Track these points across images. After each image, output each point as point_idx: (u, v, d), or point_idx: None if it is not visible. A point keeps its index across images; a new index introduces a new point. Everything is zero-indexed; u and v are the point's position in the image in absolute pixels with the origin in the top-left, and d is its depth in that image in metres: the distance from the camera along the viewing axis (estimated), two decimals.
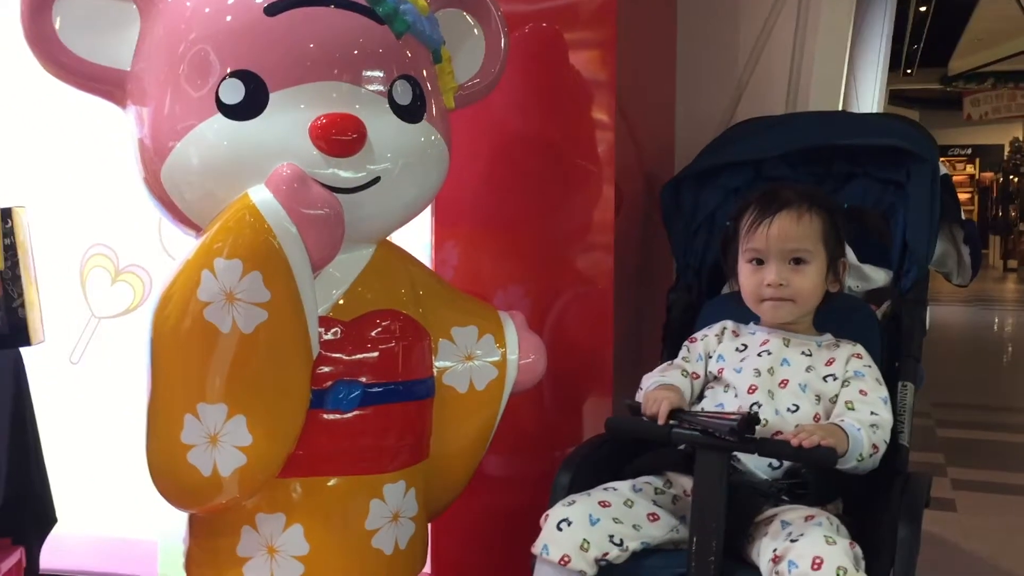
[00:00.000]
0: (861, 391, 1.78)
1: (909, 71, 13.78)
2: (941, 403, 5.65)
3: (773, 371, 1.83)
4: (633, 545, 1.64)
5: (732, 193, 2.26)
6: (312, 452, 1.66)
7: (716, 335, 1.95)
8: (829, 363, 1.83)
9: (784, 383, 1.82)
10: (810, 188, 1.96)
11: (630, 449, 1.88)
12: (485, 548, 2.29)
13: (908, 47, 12.13)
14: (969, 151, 19.17)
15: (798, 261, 1.83)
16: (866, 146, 2.19)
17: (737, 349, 1.90)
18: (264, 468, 1.60)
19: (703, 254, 2.27)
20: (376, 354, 1.71)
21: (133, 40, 1.65)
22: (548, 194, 2.27)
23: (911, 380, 1.96)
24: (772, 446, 1.64)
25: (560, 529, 1.63)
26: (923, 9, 10.66)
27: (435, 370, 1.84)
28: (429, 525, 1.90)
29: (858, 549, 1.56)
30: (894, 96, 12.78)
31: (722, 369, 1.88)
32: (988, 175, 18.79)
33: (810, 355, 1.85)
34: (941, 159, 2.18)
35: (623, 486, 1.75)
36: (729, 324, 1.96)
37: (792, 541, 1.54)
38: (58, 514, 2.19)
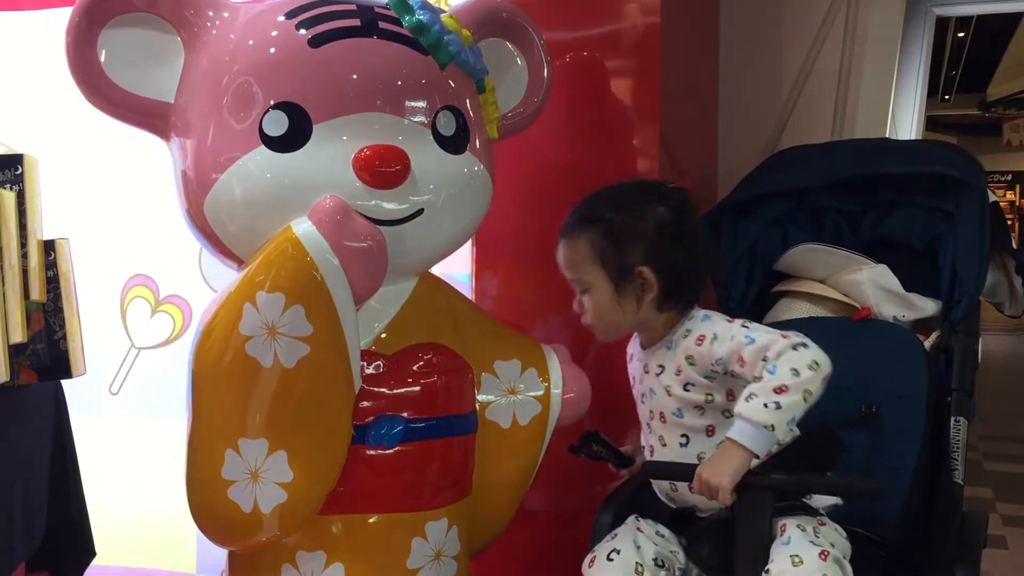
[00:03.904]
0: (740, 364, 1.60)
1: (947, 97, 13.66)
2: (988, 436, 5.54)
3: (653, 414, 1.75)
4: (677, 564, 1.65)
5: (773, 223, 2.23)
6: (354, 489, 1.63)
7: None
8: (678, 373, 1.69)
9: (662, 417, 1.73)
10: (586, 203, 1.78)
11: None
12: None
13: (946, 73, 12.03)
14: (1009, 177, 18.90)
15: (584, 290, 1.74)
16: (912, 174, 2.15)
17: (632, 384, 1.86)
18: (305, 505, 1.58)
19: (745, 286, 2.24)
20: (418, 388, 1.69)
21: (177, 73, 1.65)
22: None
23: (964, 415, 1.91)
24: (819, 482, 1.58)
25: (611, 560, 1.62)
26: (961, 35, 10.57)
27: (478, 404, 1.82)
28: (471, 564, 1.86)
29: (835, 551, 1.50)
30: (932, 122, 12.66)
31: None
32: None
33: (661, 371, 1.73)
34: None
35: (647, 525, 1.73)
36: (629, 350, 1.88)
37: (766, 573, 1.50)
38: (97, 547, 2.18)
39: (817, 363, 1.54)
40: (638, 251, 1.70)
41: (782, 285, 2.23)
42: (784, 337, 1.57)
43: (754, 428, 1.52)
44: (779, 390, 1.52)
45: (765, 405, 1.52)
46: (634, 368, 1.83)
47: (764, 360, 1.56)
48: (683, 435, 1.70)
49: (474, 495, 1.80)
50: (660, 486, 1.77)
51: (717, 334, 1.65)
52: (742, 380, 1.61)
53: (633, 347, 1.86)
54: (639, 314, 1.72)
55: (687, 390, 1.68)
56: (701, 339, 1.67)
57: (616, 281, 1.71)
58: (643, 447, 1.83)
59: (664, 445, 1.73)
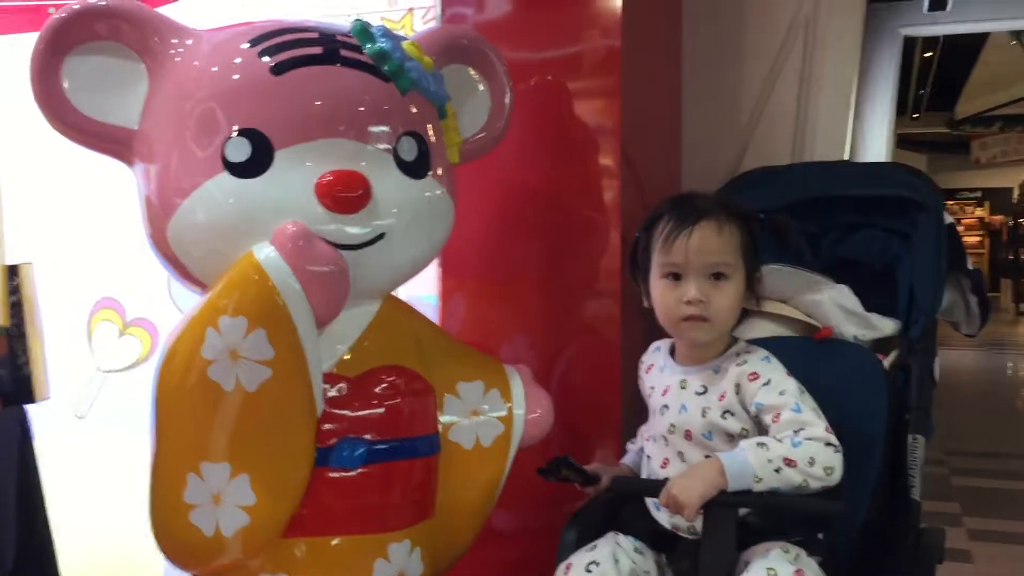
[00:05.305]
0: (773, 420, 1.63)
1: (916, 115, 13.81)
2: (955, 451, 5.58)
3: (676, 428, 1.74)
4: None
5: None
6: (316, 511, 1.64)
7: (642, 377, 1.90)
8: (721, 398, 1.70)
9: (688, 435, 1.73)
10: (724, 197, 1.84)
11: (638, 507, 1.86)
12: None
13: (915, 92, 12.18)
14: (978, 194, 19.11)
15: (718, 276, 1.69)
16: (871, 196, 2.19)
17: (647, 395, 1.86)
18: (268, 528, 1.59)
19: None
20: (381, 410, 1.70)
21: (141, 99, 1.66)
22: (554, 244, 2.27)
23: (922, 433, 1.94)
24: (783, 501, 1.61)
25: (589, 572, 1.63)
26: (928, 55, 10.71)
27: (440, 426, 1.82)
28: None
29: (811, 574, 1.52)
30: (902, 140, 12.79)
31: (649, 438, 1.84)
32: (998, 218, 18.73)
33: (704, 392, 1.72)
34: (950, 202, 2.18)
35: (626, 541, 1.73)
36: (646, 360, 1.90)
37: None
38: (63, 571, 2.18)
39: (832, 471, 1.57)
40: (759, 256, 1.75)
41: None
42: (827, 430, 1.59)
43: (746, 469, 1.55)
44: (789, 462, 1.56)
45: (769, 460, 1.56)
46: (658, 379, 1.82)
47: (795, 432, 1.59)
48: (706, 455, 1.67)
49: (437, 516, 1.81)
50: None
51: (772, 380, 1.66)
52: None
53: (655, 358, 1.87)
54: (734, 322, 1.73)
55: (724, 418, 1.68)
56: (754, 376, 1.67)
57: (747, 279, 1.72)
58: (646, 456, 1.83)
59: (683, 461, 1.73)
